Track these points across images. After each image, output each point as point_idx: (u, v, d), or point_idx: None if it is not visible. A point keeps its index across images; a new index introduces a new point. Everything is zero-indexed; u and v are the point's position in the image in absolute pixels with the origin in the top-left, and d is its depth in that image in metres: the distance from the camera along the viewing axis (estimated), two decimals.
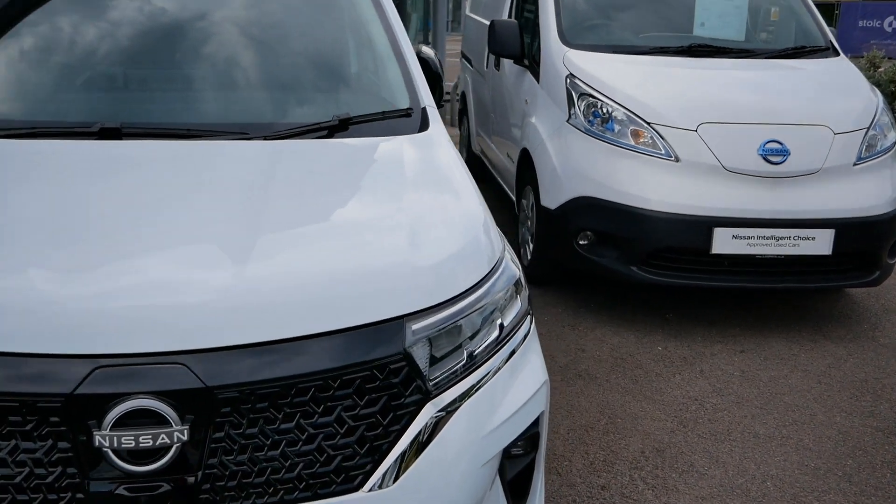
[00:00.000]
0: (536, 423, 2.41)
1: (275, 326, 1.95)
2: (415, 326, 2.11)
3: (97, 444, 1.81)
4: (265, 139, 2.72)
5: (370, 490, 2.00)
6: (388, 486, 2.02)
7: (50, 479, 1.83)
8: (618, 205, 4.88)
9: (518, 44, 5.96)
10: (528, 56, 6.03)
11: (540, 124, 5.56)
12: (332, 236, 2.25)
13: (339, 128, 2.85)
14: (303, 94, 3.10)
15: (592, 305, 5.34)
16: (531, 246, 5.62)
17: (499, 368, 2.28)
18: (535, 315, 5.08)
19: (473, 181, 2.79)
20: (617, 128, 5.03)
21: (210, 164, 2.53)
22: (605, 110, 5.09)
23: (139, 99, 2.91)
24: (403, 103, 3.13)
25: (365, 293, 2.08)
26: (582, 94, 5.20)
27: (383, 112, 3.01)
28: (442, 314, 2.18)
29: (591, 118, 5.14)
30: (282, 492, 1.95)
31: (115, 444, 1.82)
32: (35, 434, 1.82)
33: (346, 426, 1.99)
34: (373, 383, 2.02)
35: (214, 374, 1.88)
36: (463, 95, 8.92)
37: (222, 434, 1.90)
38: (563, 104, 5.32)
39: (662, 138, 4.89)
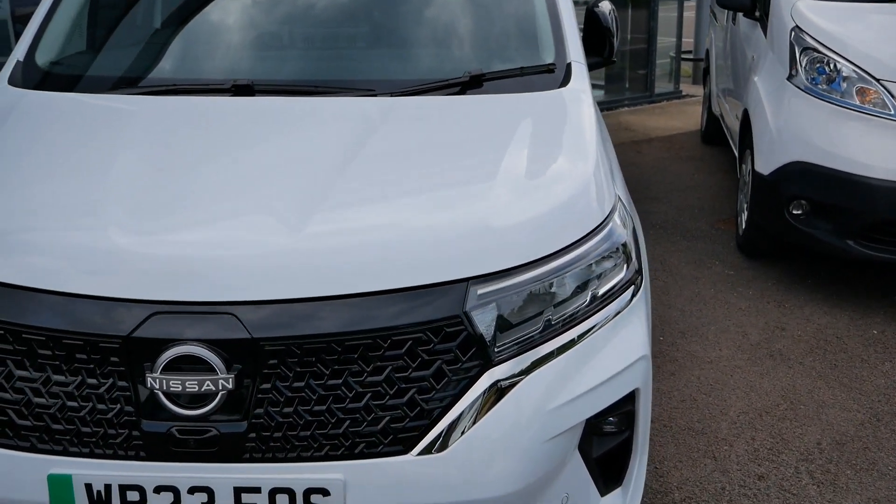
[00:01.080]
0: (630, 399, 2.24)
1: (325, 283, 1.95)
2: (481, 290, 2.03)
3: (149, 385, 1.90)
4: (392, 96, 2.71)
5: (419, 454, 1.96)
6: (437, 453, 1.96)
7: (110, 415, 1.94)
8: (835, 171, 4.41)
9: None
10: (760, 8, 5.57)
11: (761, 83, 5.13)
12: (412, 195, 2.21)
13: (472, 84, 2.79)
14: (439, 50, 3.06)
15: (809, 282, 4.89)
16: (745, 214, 5.23)
17: (579, 339, 2.14)
18: (741, 288, 4.75)
19: (601, 141, 2.62)
20: (843, 86, 4.53)
21: (323, 120, 2.57)
22: (830, 66, 4.60)
23: (277, 57, 3.01)
24: (549, 58, 2.99)
25: (426, 254, 2.02)
26: (806, 49, 4.72)
27: (521, 68, 2.90)
28: (517, 279, 2.08)
29: (814, 76, 4.66)
30: (327, 447, 1.95)
31: (165, 387, 1.90)
32: (98, 372, 1.94)
33: (395, 387, 1.95)
34: (426, 346, 1.96)
35: (262, 325, 1.91)
36: (707, 53, 8.43)
37: (269, 386, 1.93)
38: (785, 60, 4.87)
39: (893, 97, 4.34)
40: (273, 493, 1.94)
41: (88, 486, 1.95)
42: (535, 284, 2.10)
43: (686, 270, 5.09)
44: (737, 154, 5.92)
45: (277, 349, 1.92)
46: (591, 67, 3.50)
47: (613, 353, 2.20)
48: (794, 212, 4.63)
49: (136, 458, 1.95)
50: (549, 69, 2.92)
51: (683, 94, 10.95)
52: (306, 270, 1.96)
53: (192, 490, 1.94)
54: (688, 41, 11.65)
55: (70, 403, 1.95)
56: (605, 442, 2.25)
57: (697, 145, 8.30)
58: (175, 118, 2.60)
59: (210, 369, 1.90)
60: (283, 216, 2.05)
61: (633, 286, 2.31)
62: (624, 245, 2.32)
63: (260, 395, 1.93)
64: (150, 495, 1.95)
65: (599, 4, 3.45)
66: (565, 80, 2.89)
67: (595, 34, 3.39)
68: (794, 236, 4.68)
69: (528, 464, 2.03)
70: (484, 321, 2.02)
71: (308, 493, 1.94)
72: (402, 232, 2.06)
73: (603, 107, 9.88)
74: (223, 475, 1.94)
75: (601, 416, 2.19)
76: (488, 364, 2.01)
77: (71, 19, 3.16)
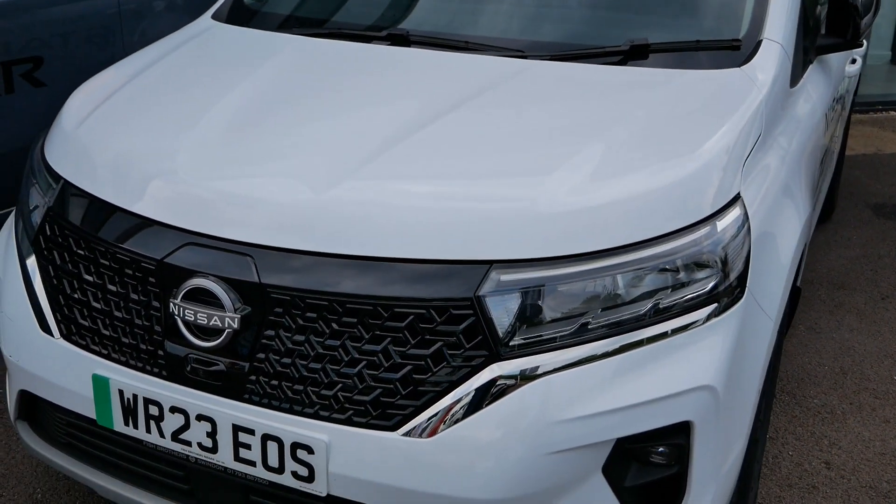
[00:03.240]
0: (682, 432, 1.94)
1: (335, 240, 1.90)
2: (505, 277, 1.85)
3: (171, 311, 1.98)
4: (539, 59, 2.53)
5: (404, 434, 1.86)
6: (423, 438, 1.85)
7: (144, 331, 2.06)
8: None
9: None
10: None
11: None
12: (473, 166, 2.04)
13: (635, 54, 2.52)
14: (611, 13, 2.77)
15: None
16: None
17: (622, 349, 1.89)
18: None
19: (755, 133, 2.26)
20: None
21: (442, 77, 2.45)
22: None
23: (446, 9, 2.91)
24: (739, 33, 2.62)
25: (449, 227, 1.88)
26: None
27: (697, 41, 2.57)
28: (560, 270, 1.88)
29: None
30: (318, 406, 1.91)
31: (182, 315, 1.97)
32: (140, 289, 2.06)
33: (391, 361, 1.86)
34: (429, 324, 1.84)
35: (271, 272, 1.91)
36: None
37: (273, 333, 1.92)
38: None
39: None
40: (265, 438, 1.94)
41: (121, 392, 2.08)
42: (587, 279, 1.88)
43: None
44: None
45: (282, 298, 1.90)
46: (827, 50, 3.07)
47: (664, 374, 1.91)
48: None
49: (159, 375, 2.05)
50: (733, 45, 2.56)
51: None
52: (322, 225, 1.92)
53: (199, 417, 2.00)
54: None
55: (117, 313, 2.09)
56: (647, 472, 1.97)
57: None
58: (307, 61, 2.63)
59: (221, 306, 1.93)
60: (323, 169, 2.01)
61: (715, 303, 1.98)
62: (725, 257, 1.99)
63: (264, 341, 1.93)
64: (167, 413, 2.04)
65: None
66: (747, 61, 2.52)
67: (838, 11, 2.95)
68: None
69: (520, 473, 1.84)
70: (502, 310, 1.85)
71: (295, 446, 1.92)
72: (434, 201, 1.92)
73: None
74: (224, 410, 1.97)
75: (641, 442, 1.93)
76: (497, 357, 1.85)
77: None
